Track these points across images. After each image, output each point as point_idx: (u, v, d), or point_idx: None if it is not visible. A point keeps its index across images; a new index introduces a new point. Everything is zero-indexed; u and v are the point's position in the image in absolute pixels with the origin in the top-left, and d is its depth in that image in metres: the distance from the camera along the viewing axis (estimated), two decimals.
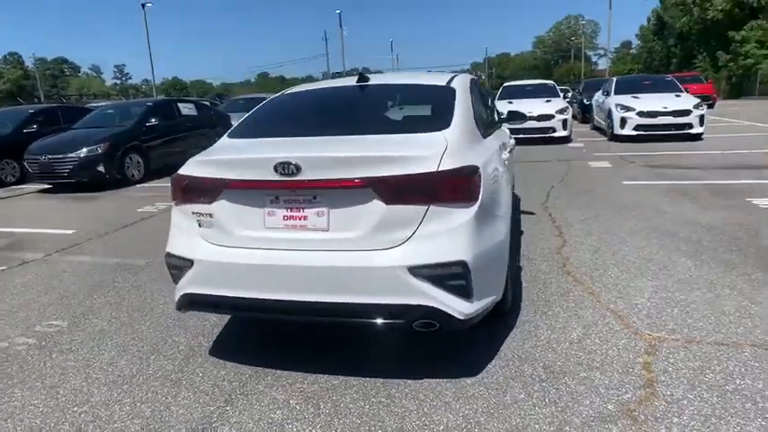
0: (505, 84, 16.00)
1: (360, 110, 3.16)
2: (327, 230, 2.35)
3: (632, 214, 5.48)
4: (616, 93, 12.67)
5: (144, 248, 5.21)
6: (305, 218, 2.37)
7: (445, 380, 2.54)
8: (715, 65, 40.27)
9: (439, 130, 2.62)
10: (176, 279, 2.67)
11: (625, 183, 7.22)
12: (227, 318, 3.39)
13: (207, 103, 13.69)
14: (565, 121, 12.19)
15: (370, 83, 3.23)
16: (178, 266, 2.62)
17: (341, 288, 2.32)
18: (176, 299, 2.68)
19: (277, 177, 2.32)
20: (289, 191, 2.37)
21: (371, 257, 2.28)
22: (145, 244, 5.39)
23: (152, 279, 4.29)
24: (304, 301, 2.36)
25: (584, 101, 17.01)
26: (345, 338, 3.04)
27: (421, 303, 2.25)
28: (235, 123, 10.47)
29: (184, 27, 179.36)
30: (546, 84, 15.09)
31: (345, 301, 2.31)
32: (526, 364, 2.66)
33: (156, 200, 7.80)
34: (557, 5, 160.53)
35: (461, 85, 3.22)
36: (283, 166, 2.30)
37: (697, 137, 11.27)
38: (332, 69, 68.19)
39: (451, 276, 2.26)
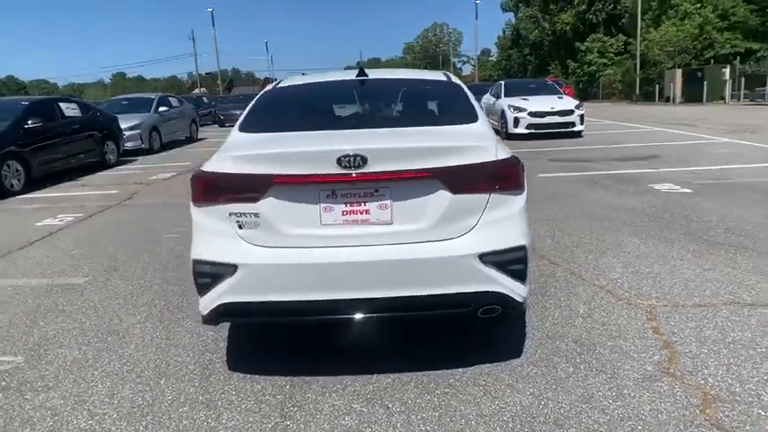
0: None
1: (381, 103, 3.12)
2: (391, 223, 2.30)
3: (563, 202, 6.03)
4: (506, 95, 13.74)
5: (74, 265, 4.57)
6: (367, 212, 2.29)
7: (494, 364, 2.62)
8: (566, 71, 45.35)
9: (471, 122, 2.69)
10: (207, 289, 2.39)
11: (540, 175, 7.89)
12: (224, 330, 3.12)
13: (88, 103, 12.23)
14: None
15: (375, 77, 3.18)
16: (213, 274, 2.36)
17: (410, 281, 2.28)
18: (207, 310, 2.40)
19: (340, 170, 2.21)
20: (349, 185, 2.27)
21: (441, 248, 2.28)
22: (72, 260, 4.72)
23: (106, 297, 3.78)
24: (368, 299, 2.28)
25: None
26: (362, 337, 2.94)
27: (490, 290, 2.30)
28: (123, 125, 9.65)
29: (18, 18, 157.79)
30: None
31: (415, 294, 2.28)
32: (557, 340, 2.84)
33: (56, 212, 6.84)
34: (424, 13, 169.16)
35: (459, 81, 3.32)
36: (349, 159, 2.20)
37: (578, 134, 12.66)
38: (201, 69, 64.63)
39: (514, 261, 2.34)
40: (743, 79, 24.73)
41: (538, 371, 2.55)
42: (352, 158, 2.20)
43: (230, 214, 2.34)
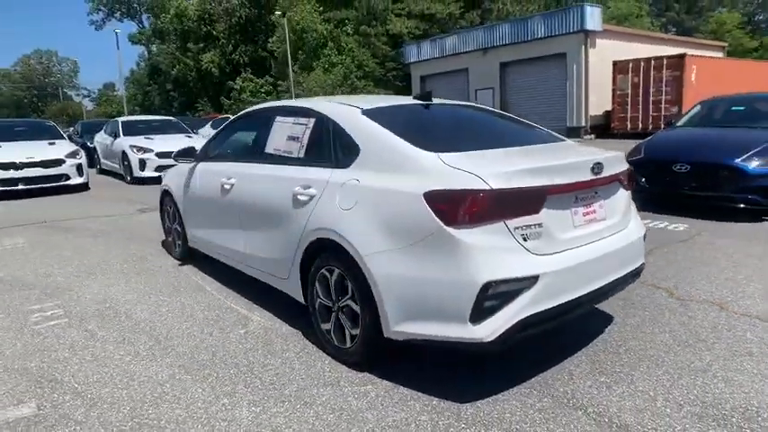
0: None
1: (490, 123, 3.41)
2: (605, 219, 2.80)
3: None
4: (126, 134, 12.34)
5: None
6: (594, 211, 2.73)
7: (611, 326, 3.37)
8: (219, 108, 46.46)
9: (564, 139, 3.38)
10: (495, 310, 2.34)
11: None
12: (348, 387, 2.81)
13: None
14: (80, 166, 10.67)
15: (452, 102, 3.46)
16: (507, 292, 2.34)
17: (623, 264, 2.86)
18: (501, 331, 2.33)
19: (592, 177, 2.60)
20: (587, 190, 2.65)
21: (630, 234, 2.95)
22: None
23: (118, 421, 2.62)
24: (606, 284, 2.72)
25: (87, 143, 15.41)
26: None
27: (643, 261, 3.08)
28: None
29: None
30: (43, 123, 13.13)
31: (623, 274, 2.86)
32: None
33: None
34: (22, 37, 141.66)
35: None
36: (598, 166, 2.62)
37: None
38: None
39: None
40: None
41: (637, 320, 3.44)
42: (598, 166, 2.65)
43: (515, 228, 2.36)
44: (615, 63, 17.81)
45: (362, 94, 34.85)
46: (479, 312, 2.33)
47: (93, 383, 2.88)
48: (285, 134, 3.49)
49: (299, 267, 3.17)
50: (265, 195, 3.45)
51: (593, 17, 18.69)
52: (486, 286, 2.30)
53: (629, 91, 17.35)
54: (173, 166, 10.55)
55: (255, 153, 3.78)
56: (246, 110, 4.30)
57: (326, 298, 3.01)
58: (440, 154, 2.59)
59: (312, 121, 3.30)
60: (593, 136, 18.95)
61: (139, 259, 5.34)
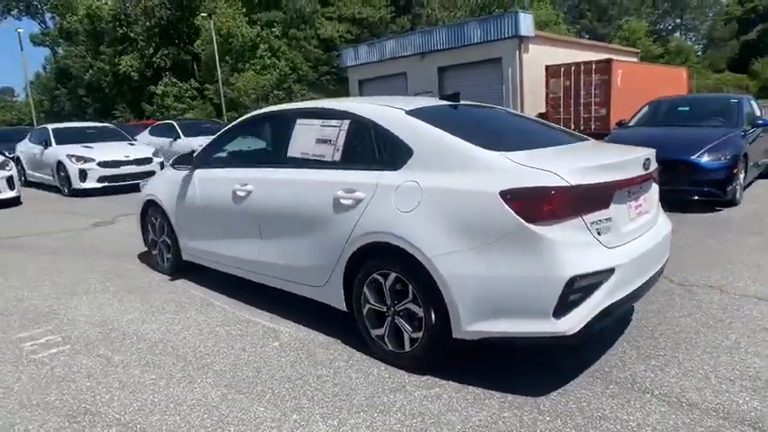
0: None
1: (528, 126, 3.46)
2: (648, 213, 2.95)
3: None
4: (59, 143, 11.35)
5: None
6: (641, 205, 2.88)
7: (634, 324, 3.57)
8: (140, 114, 43.89)
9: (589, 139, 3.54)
10: (577, 303, 2.42)
11: None
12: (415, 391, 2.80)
13: None
14: (10, 179, 9.71)
15: (473, 103, 3.51)
16: (588, 286, 2.42)
17: (663, 254, 3.05)
18: (584, 322, 2.42)
19: (644, 172, 2.75)
20: (637, 185, 2.80)
21: (664, 226, 3.13)
22: None
23: None
24: (655, 274, 2.90)
25: (7, 153, 13.46)
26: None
27: (669, 254, 3.27)
28: None
29: None
30: None
31: (662, 264, 3.05)
32: None
33: None
34: None
35: None
36: (648, 162, 2.79)
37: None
38: None
39: None
40: None
41: (656, 306, 3.67)
42: (647, 162, 2.82)
43: (591, 223, 2.46)
44: (547, 67, 18.77)
45: (297, 97, 34.40)
46: (563, 306, 2.40)
47: (136, 412, 2.64)
48: (313, 137, 3.38)
49: (342, 273, 3.09)
50: (296, 201, 3.32)
51: (527, 23, 19.62)
52: (572, 281, 2.37)
53: (561, 94, 18.35)
54: (117, 176, 10.25)
55: (275, 157, 3.62)
56: (253, 113, 4.10)
57: (379, 303, 2.95)
58: (504, 153, 2.63)
59: (346, 122, 3.23)
60: None
61: (121, 276, 4.94)
